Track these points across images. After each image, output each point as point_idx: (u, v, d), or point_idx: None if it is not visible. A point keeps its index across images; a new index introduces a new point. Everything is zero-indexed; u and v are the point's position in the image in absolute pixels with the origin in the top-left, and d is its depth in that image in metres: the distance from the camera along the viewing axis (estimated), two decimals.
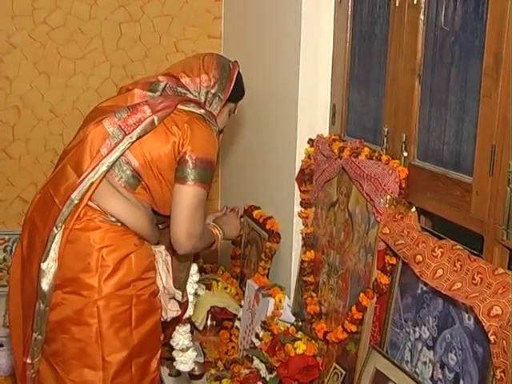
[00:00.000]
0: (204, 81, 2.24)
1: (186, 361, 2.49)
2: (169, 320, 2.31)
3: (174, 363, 2.51)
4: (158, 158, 2.11)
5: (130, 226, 2.11)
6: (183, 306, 2.38)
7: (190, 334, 2.50)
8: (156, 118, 2.08)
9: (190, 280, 2.44)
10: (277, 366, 2.69)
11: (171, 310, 2.28)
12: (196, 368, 2.94)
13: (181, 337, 2.46)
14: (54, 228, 2.03)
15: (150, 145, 2.11)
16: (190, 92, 2.23)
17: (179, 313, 2.32)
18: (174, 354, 2.50)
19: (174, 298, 2.32)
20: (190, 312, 2.48)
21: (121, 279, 2.08)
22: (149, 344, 2.17)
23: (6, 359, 3.07)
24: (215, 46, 4.02)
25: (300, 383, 2.66)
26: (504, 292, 1.76)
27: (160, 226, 2.32)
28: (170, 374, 2.96)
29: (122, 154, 2.08)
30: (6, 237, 3.87)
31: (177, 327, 2.46)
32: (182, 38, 3.96)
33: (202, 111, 2.20)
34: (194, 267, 2.46)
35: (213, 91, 2.25)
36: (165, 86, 2.21)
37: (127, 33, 3.86)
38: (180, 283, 2.37)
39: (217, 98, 2.26)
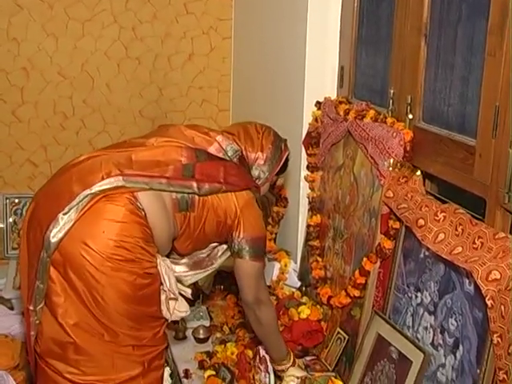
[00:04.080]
0: (259, 159, 2.40)
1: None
2: (173, 320, 2.35)
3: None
4: (215, 207, 2.25)
5: (151, 224, 2.15)
6: None
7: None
8: (224, 188, 2.23)
9: None
10: (281, 330, 2.70)
11: (179, 311, 2.29)
12: (201, 331, 2.98)
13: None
14: (88, 189, 2.07)
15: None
16: (249, 166, 2.40)
17: (188, 312, 2.37)
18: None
19: (182, 296, 2.33)
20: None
21: (125, 256, 2.09)
22: (148, 303, 2.19)
23: (19, 324, 3.08)
24: (226, 6, 3.99)
25: (304, 347, 2.67)
26: (504, 256, 1.74)
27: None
28: (175, 337, 2.99)
29: (183, 193, 2.21)
30: (16, 200, 3.89)
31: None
32: None
33: (257, 195, 2.36)
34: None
35: (263, 169, 2.41)
36: (236, 152, 2.34)
37: None
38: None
39: (265, 175, 2.42)
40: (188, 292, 2.35)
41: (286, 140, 2.50)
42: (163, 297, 2.25)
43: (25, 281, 2.21)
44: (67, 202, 2.07)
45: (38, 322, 2.17)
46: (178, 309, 2.30)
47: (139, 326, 2.17)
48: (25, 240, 2.23)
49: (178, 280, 2.36)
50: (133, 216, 2.11)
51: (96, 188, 2.08)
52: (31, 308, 2.15)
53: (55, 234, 2.07)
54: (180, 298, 2.30)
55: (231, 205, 2.26)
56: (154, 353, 2.21)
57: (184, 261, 2.43)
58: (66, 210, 2.06)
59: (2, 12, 3.68)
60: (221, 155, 2.31)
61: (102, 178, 2.09)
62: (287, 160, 2.51)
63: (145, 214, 2.15)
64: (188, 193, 2.21)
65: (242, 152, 2.38)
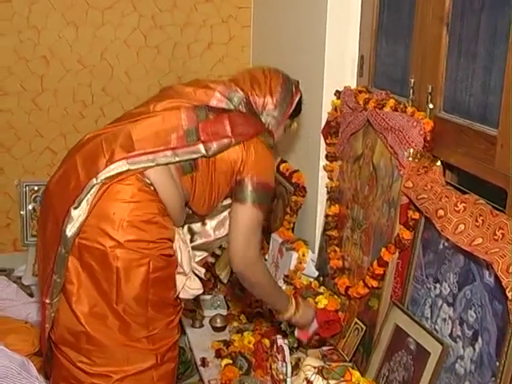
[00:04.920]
0: (268, 103, 2.26)
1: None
2: (185, 298, 2.29)
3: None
4: (219, 161, 2.14)
5: (162, 197, 2.12)
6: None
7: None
8: (233, 142, 2.12)
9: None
10: None
11: (190, 289, 2.25)
12: (218, 320, 2.98)
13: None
14: (94, 179, 2.03)
15: None
16: (257, 111, 2.27)
17: (201, 291, 2.31)
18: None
19: (195, 275, 2.31)
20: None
21: (140, 237, 2.07)
22: (164, 286, 2.18)
23: (36, 311, 3.10)
24: None
25: (321, 338, 2.66)
26: None
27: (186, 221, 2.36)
28: (192, 326, 2.99)
29: (191, 160, 2.12)
30: (36, 187, 3.92)
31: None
32: None
33: (271, 141, 2.24)
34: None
35: (274, 114, 2.28)
36: (241, 99, 2.22)
37: None
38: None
39: (276, 120, 2.30)
40: (201, 271, 2.30)
41: (297, 82, 2.37)
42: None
43: (41, 273, 2.20)
44: (76, 194, 2.04)
45: (53, 314, 2.16)
46: (189, 286, 2.25)
47: (154, 313, 2.13)
48: (40, 233, 2.22)
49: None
50: (142, 193, 2.07)
51: (102, 176, 2.03)
52: (47, 301, 2.14)
53: (70, 229, 2.04)
54: (193, 276, 2.26)
55: (238, 153, 2.14)
56: (168, 345, 2.18)
57: (208, 223, 2.40)
58: (76, 203, 2.03)
59: (22, 0, 3.68)
60: (224, 105, 2.19)
61: (106, 165, 2.04)
62: (300, 103, 2.37)
63: (154, 189, 2.10)
64: (196, 158, 2.11)
65: (247, 98, 2.24)
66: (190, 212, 2.31)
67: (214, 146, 2.10)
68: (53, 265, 2.09)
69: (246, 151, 2.14)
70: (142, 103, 2.27)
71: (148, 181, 2.09)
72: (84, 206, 2.04)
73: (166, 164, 2.09)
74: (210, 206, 2.27)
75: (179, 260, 2.20)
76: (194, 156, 2.10)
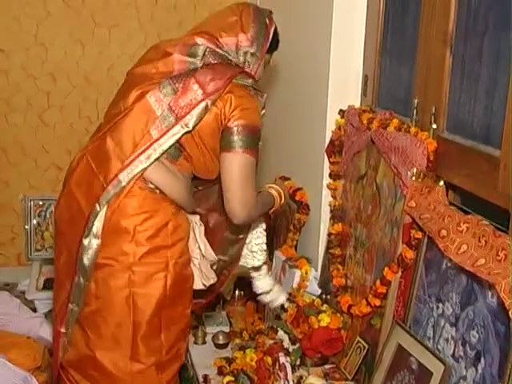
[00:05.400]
0: (243, 40, 2.13)
1: (275, 297, 2.50)
2: (207, 286, 2.27)
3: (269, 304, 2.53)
4: (200, 129, 2.06)
5: (169, 194, 2.09)
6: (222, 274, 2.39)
7: (268, 277, 2.47)
8: (210, 103, 2.02)
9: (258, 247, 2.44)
10: (300, 337, 2.68)
11: (209, 278, 2.25)
12: (221, 337, 2.97)
13: (259, 282, 2.45)
14: (97, 205, 2.01)
15: None
16: (229, 53, 2.15)
17: (215, 280, 2.28)
18: (262, 297, 2.51)
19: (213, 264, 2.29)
20: (260, 259, 2.46)
21: (157, 245, 2.07)
22: (178, 307, 2.17)
23: (38, 327, 3.08)
24: None
25: (323, 356, 2.65)
26: None
27: (200, 188, 2.30)
28: (195, 342, 2.98)
29: (176, 142, 2.04)
30: (41, 202, 3.93)
31: (253, 275, 2.48)
32: (218, 6, 3.91)
33: (250, 81, 2.14)
34: (259, 232, 2.43)
35: (252, 51, 2.16)
36: (205, 50, 2.10)
37: (162, 1, 3.85)
38: (229, 242, 2.38)
39: (255, 57, 2.17)
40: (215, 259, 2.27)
41: (270, 12, 2.24)
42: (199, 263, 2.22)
43: (56, 301, 2.18)
44: (83, 223, 2.02)
45: (67, 343, 2.15)
46: (208, 275, 2.23)
47: (167, 335, 2.13)
48: (55, 261, 2.19)
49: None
50: (149, 201, 2.06)
51: (103, 201, 2.01)
52: (63, 330, 2.13)
53: (88, 258, 2.03)
54: (204, 269, 2.23)
55: (217, 109, 2.03)
56: (173, 371, 2.18)
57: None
58: (86, 232, 2.02)
59: (31, 17, 3.72)
60: (187, 66, 2.07)
61: (103, 187, 2.01)
62: (276, 34, 2.25)
63: (160, 190, 2.07)
64: (180, 138, 2.03)
65: (216, 42, 2.11)
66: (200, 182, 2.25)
67: (193, 116, 2.01)
68: (68, 293, 2.08)
69: (224, 102, 2.04)
70: (113, 101, 2.19)
71: (151, 185, 2.07)
72: (95, 233, 2.02)
73: (157, 158, 2.02)
74: (215, 167, 2.14)
75: (203, 251, 2.17)
76: (178, 136, 2.02)
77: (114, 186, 2.00)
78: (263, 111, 2.21)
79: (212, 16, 2.26)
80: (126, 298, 2.06)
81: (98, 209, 2.01)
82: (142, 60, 2.20)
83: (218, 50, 2.12)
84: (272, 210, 2.36)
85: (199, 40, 2.11)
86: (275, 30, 2.23)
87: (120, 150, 2.03)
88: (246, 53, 2.15)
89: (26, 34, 3.72)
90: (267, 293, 2.40)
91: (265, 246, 2.41)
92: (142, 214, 2.05)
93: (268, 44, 2.19)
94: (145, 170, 2.02)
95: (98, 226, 2.01)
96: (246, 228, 2.38)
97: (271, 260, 3.24)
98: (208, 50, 2.10)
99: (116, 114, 2.09)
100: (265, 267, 2.39)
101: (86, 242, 2.02)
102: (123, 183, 2.00)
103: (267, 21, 2.20)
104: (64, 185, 2.18)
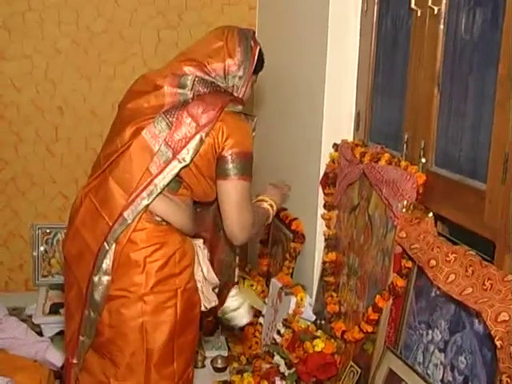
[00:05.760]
0: (231, 65, 2.10)
1: (241, 317, 2.43)
2: (208, 309, 2.25)
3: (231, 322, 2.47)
4: (196, 160, 2.04)
5: (174, 223, 2.08)
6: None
7: (238, 296, 2.43)
8: (204, 135, 2.00)
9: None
10: (296, 362, 2.68)
11: (210, 301, 2.23)
12: (219, 361, 2.96)
13: (230, 299, 2.42)
14: (106, 244, 1.99)
15: None
16: (218, 79, 2.11)
17: (216, 303, 2.26)
18: (228, 316, 2.43)
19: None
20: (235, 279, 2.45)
21: (166, 275, 2.05)
22: (189, 334, 2.15)
23: (44, 351, 3.06)
24: None
25: (318, 380, 2.64)
26: None
27: (198, 210, 2.27)
28: (194, 366, 2.96)
29: (176, 176, 2.02)
30: (48, 230, 3.93)
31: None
32: None
33: (240, 108, 2.13)
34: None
35: (239, 74, 2.12)
36: (194, 79, 2.05)
37: (165, 39, 3.90)
38: (225, 265, 2.35)
39: (242, 79, 2.14)
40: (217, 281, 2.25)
41: (253, 32, 2.20)
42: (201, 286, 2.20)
43: (67, 331, 2.16)
44: (92, 261, 2.01)
45: (79, 371, 2.13)
46: (210, 298, 2.21)
47: (178, 361, 2.11)
48: (66, 293, 2.17)
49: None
50: (157, 234, 2.04)
51: (111, 240, 1.99)
52: (75, 361, 2.11)
53: (99, 294, 2.01)
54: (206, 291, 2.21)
55: (210, 138, 2.01)
56: None
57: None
58: (96, 270, 2.00)
59: (42, 55, 3.76)
60: (178, 98, 2.04)
61: (109, 225, 1.99)
62: (261, 54, 2.19)
63: (166, 222, 2.06)
64: (179, 172, 2.00)
65: (203, 69, 2.07)
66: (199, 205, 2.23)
67: (189, 150, 1.99)
68: (79, 325, 2.06)
69: (217, 132, 2.02)
70: (108, 138, 2.16)
71: (157, 218, 2.05)
72: (104, 270, 2.01)
73: (159, 193, 2.01)
74: (212, 191, 2.12)
75: (206, 274, 2.16)
76: (176, 170, 2.00)
77: (120, 224, 1.99)
78: (254, 133, 2.20)
79: (197, 42, 2.22)
80: (139, 327, 2.04)
81: (107, 247, 1.99)
82: (133, 93, 2.16)
83: (206, 77, 2.09)
84: (268, 222, 2.37)
85: (187, 69, 2.08)
86: (260, 50, 2.19)
87: (122, 188, 2.01)
88: (234, 77, 2.12)
89: (36, 71, 3.76)
90: (234, 311, 2.38)
91: (237, 269, 2.41)
92: (151, 246, 2.04)
93: (254, 66, 2.16)
94: (148, 205, 2.00)
95: (107, 263, 2.00)
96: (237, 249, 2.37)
97: (268, 287, 3.25)
98: (197, 79, 2.06)
99: (113, 151, 2.06)
100: (236, 287, 2.39)
101: (95, 278, 2.01)
102: (129, 220, 1.99)
103: (252, 43, 2.16)
104: (70, 223, 2.15)
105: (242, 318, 2.42)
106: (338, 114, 2.90)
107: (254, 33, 2.22)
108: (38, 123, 3.85)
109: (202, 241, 2.25)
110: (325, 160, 2.93)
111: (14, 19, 3.69)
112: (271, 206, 2.36)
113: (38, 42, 3.75)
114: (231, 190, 2.04)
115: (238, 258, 2.41)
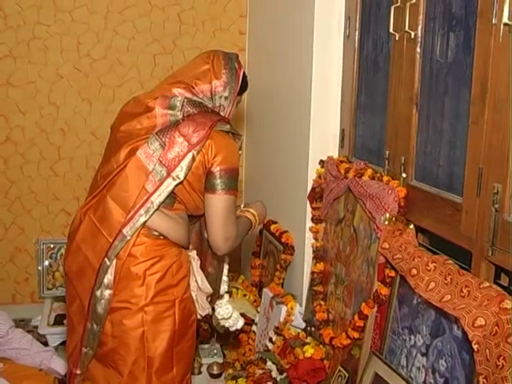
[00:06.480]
0: (217, 86, 2.12)
1: (235, 322, 2.40)
2: (202, 316, 2.26)
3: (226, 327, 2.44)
4: (188, 177, 2.05)
5: (171, 237, 2.09)
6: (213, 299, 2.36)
7: (228, 304, 2.41)
8: (195, 153, 2.01)
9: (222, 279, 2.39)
10: (287, 367, 2.67)
11: (204, 309, 2.24)
12: (215, 368, 2.95)
13: (220, 309, 2.41)
14: (107, 260, 1.99)
15: None
16: (205, 100, 2.13)
17: (210, 311, 2.27)
18: (225, 323, 2.41)
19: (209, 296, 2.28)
20: (224, 289, 2.42)
21: (164, 286, 2.05)
22: (187, 341, 2.15)
23: (49, 359, 3.04)
24: None
25: None
26: (488, 304, 1.72)
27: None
28: (192, 373, 2.95)
29: (171, 193, 2.03)
30: (52, 245, 3.91)
31: (217, 302, 2.40)
32: None
33: (228, 127, 2.13)
34: (226, 267, 2.40)
35: (225, 95, 2.14)
36: (183, 101, 2.07)
37: (161, 63, 3.91)
38: (212, 278, 2.33)
39: (228, 100, 2.16)
40: (210, 291, 2.24)
41: (237, 56, 2.22)
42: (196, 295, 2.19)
43: (69, 343, 2.15)
44: (93, 276, 2.01)
45: (82, 382, 2.12)
46: (204, 306, 2.21)
47: (177, 368, 2.11)
48: (67, 306, 2.16)
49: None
50: (155, 248, 2.05)
51: (112, 256, 2.00)
52: (78, 372, 2.10)
53: (101, 307, 2.01)
54: (200, 300, 2.21)
55: (200, 156, 2.02)
56: None
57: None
58: (98, 285, 2.01)
59: (45, 81, 3.76)
60: (169, 118, 2.05)
61: (109, 242, 1.99)
62: (245, 76, 2.21)
63: (164, 236, 2.07)
64: (173, 189, 2.01)
65: (191, 90, 2.08)
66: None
67: (183, 167, 2.01)
68: (81, 337, 2.05)
69: (206, 149, 2.03)
70: (104, 158, 2.16)
71: (155, 232, 2.06)
72: (106, 284, 2.01)
73: (156, 210, 2.02)
74: (203, 205, 2.12)
75: (200, 283, 2.16)
76: (172, 187, 2.01)
77: (120, 240, 1.99)
78: (240, 151, 2.22)
79: (185, 66, 2.24)
80: (140, 336, 2.04)
81: (108, 263, 2.00)
82: (125, 114, 2.16)
83: (194, 98, 2.10)
84: (250, 232, 2.34)
85: (176, 91, 2.09)
86: (244, 73, 2.21)
87: (120, 205, 2.01)
88: (220, 97, 2.13)
89: (40, 95, 3.76)
90: (226, 319, 2.38)
91: (226, 278, 2.40)
92: (150, 260, 2.04)
93: (239, 87, 2.18)
94: (146, 221, 2.01)
95: (109, 277, 2.00)
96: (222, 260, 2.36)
97: (260, 297, 3.25)
98: (186, 100, 2.07)
99: (110, 171, 2.06)
100: (226, 296, 2.39)
101: (98, 293, 2.01)
102: (128, 237, 2.00)
103: (236, 65, 2.18)
104: (69, 240, 2.15)
105: (237, 321, 2.42)
106: (324, 132, 2.92)
107: (238, 56, 2.24)
108: (42, 145, 3.84)
109: (195, 252, 2.25)
110: (312, 176, 2.94)
111: (20, 47, 3.69)
112: (254, 217, 2.33)
113: (41, 68, 3.75)
114: (218, 203, 2.05)
115: (229, 270, 2.40)
